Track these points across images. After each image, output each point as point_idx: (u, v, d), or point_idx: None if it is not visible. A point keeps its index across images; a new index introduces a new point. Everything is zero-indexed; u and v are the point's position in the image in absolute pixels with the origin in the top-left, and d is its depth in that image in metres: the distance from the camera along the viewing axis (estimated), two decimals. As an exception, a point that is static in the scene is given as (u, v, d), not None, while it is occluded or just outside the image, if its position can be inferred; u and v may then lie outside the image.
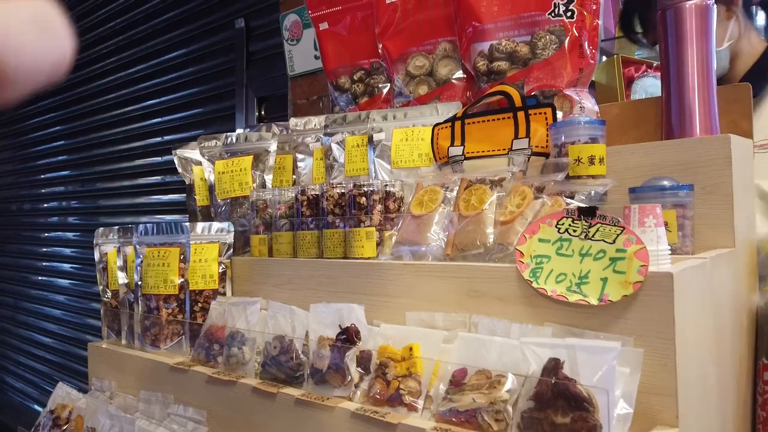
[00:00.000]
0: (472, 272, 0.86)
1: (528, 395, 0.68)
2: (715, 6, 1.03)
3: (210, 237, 1.20)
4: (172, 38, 3.14)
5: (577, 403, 0.63)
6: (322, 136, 1.34)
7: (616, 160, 1.01)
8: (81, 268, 3.90)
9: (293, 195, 1.15)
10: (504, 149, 1.08)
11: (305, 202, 1.12)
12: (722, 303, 0.88)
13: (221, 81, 2.86)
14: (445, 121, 1.16)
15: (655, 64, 1.69)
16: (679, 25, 1.03)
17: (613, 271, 0.72)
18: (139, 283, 1.18)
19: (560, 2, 1.15)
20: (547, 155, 1.05)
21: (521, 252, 0.81)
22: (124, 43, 3.47)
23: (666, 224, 0.87)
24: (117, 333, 1.26)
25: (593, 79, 1.77)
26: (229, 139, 1.33)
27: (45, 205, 4.34)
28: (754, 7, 1.86)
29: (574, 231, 0.78)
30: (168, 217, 3.15)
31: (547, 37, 1.16)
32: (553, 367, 0.66)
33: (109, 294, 1.30)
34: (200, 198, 1.36)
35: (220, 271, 1.19)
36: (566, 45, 1.15)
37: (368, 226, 1.04)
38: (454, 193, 1.01)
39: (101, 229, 1.34)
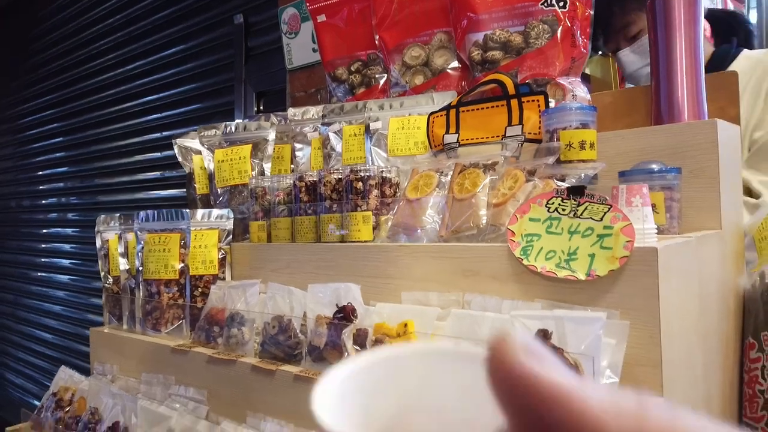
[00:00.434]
0: (465, 252, 0.88)
1: (518, 365, 0.70)
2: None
3: (210, 223, 1.22)
4: (170, 34, 3.17)
5: (564, 371, 0.66)
6: (319, 125, 1.37)
7: (607, 145, 1.03)
8: (80, 264, 3.92)
9: (291, 181, 1.17)
10: (498, 136, 1.11)
11: (303, 188, 1.15)
12: (708, 282, 0.91)
13: (220, 77, 2.89)
14: (441, 110, 1.19)
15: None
16: (667, 13, 1.06)
17: (600, 247, 0.75)
18: (140, 268, 1.21)
19: (553, -8, 1.18)
20: (539, 142, 1.07)
21: (512, 231, 0.83)
22: (123, 39, 3.49)
23: (654, 206, 0.90)
24: (118, 318, 1.28)
25: (588, 72, 1.80)
26: (228, 129, 1.35)
27: (44, 201, 4.36)
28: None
29: (564, 210, 0.80)
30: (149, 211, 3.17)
31: (540, 26, 1.18)
32: (542, 337, 0.69)
33: (111, 280, 1.32)
34: (200, 186, 1.38)
35: (220, 256, 1.21)
36: (559, 34, 1.18)
37: (365, 211, 1.06)
38: (449, 177, 1.03)
39: (102, 216, 1.37)
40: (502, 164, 0.99)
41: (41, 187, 4.39)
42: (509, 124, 1.10)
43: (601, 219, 0.76)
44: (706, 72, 1.05)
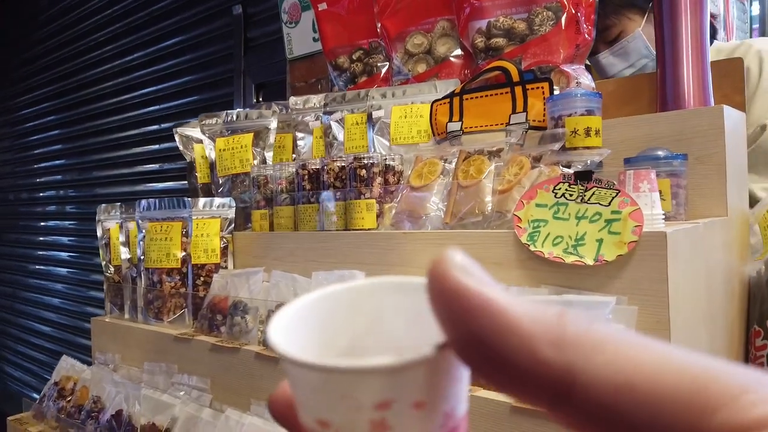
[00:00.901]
0: (470, 239, 0.88)
1: (525, 351, 0.70)
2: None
3: (212, 212, 1.21)
4: (168, 26, 3.14)
5: (573, 355, 0.65)
6: (321, 114, 1.36)
7: (612, 132, 1.03)
8: (79, 257, 3.91)
9: (294, 170, 1.16)
10: (502, 124, 1.10)
11: (306, 176, 1.14)
12: (714, 269, 0.90)
13: (219, 68, 2.87)
14: (444, 98, 1.18)
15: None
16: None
17: (608, 232, 0.74)
18: (142, 257, 1.20)
19: (557, -22, 1.17)
20: (544, 129, 1.06)
21: (519, 217, 0.83)
22: (121, 30, 3.47)
23: (660, 193, 0.89)
24: (120, 308, 1.28)
25: (589, 64, 1.78)
26: (230, 117, 1.34)
27: (42, 194, 4.34)
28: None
29: (571, 195, 0.80)
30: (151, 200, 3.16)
31: (544, 13, 1.17)
32: (550, 322, 0.68)
33: (112, 269, 1.31)
34: (201, 175, 1.37)
35: (222, 245, 1.20)
36: (563, 21, 1.17)
37: (368, 198, 1.06)
38: (453, 164, 1.02)
39: (103, 205, 1.36)
40: (507, 151, 0.98)
41: (39, 180, 4.37)
42: (513, 111, 1.09)
43: (609, 204, 0.76)
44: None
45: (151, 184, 3.33)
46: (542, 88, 1.07)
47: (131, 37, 3.39)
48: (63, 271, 4.05)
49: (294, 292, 0.96)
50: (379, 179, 1.08)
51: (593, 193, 0.78)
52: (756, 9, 2.16)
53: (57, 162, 4.17)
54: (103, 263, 1.34)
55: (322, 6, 1.54)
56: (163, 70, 3.20)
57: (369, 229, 1.05)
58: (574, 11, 1.17)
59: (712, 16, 1.49)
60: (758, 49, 1.40)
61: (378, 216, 1.07)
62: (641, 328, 0.70)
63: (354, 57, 1.49)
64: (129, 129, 3.47)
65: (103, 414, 1.00)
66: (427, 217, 0.98)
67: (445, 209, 0.98)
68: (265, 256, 1.17)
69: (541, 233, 0.80)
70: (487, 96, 1.13)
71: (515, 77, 1.10)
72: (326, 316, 0.25)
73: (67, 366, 1.20)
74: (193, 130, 1.41)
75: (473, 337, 0.18)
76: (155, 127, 3.28)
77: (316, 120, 1.38)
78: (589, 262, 0.74)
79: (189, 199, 1.19)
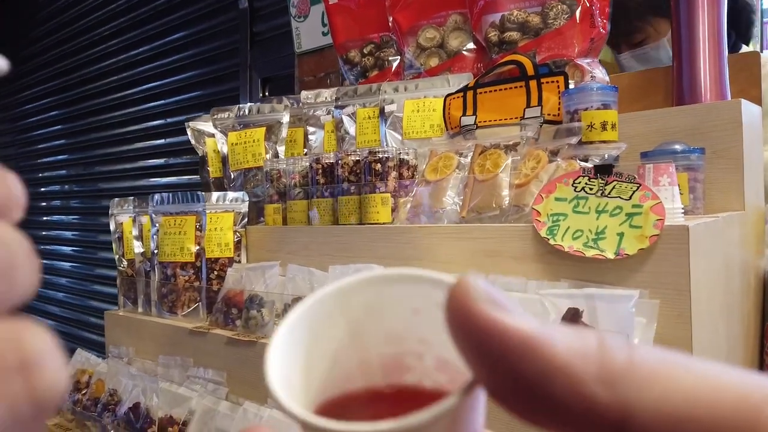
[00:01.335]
0: (488, 232, 0.88)
1: (547, 344, 0.70)
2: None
3: (225, 206, 1.21)
4: (174, 20, 3.13)
5: (596, 349, 0.65)
6: (333, 108, 1.36)
7: (628, 126, 1.02)
8: (82, 251, 3.92)
9: (307, 164, 1.16)
10: (516, 117, 1.10)
11: (320, 170, 1.14)
12: (732, 263, 0.90)
13: (225, 62, 2.86)
14: (457, 92, 1.18)
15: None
16: (690, -8, 1.04)
17: (629, 226, 0.74)
18: (156, 251, 1.20)
19: (572, -28, 1.16)
20: (559, 123, 1.06)
21: (538, 211, 0.83)
22: (125, 25, 3.46)
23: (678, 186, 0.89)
24: (133, 301, 1.28)
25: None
26: (242, 111, 1.34)
27: (45, 188, 4.34)
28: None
29: (591, 189, 0.79)
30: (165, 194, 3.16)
31: (559, 6, 1.17)
32: (573, 315, 0.68)
33: (125, 263, 1.31)
34: (213, 170, 1.37)
35: (236, 239, 1.20)
36: (577, 15, 1.16)
37: (383, 192, 1.06)
38: (468, 158, 1.02)
39: (116, 199, 1.36)
40: (523, 145, 0.98)
41: (42, 175, 4.38)
42: (528, 105, 1.09)
43: (630, 198, 0.75)
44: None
45: (155, 179, 3.33)
46: (557, 82, 1.07)
47: (135, 32, 3.38)
48: (66, 265, 4.05)
49: (311, 285, 0.97)
50: (393, 173, 1.08)
51: (613, 187, 0.78)
52: None
53: (60, 157, 4.17)
54: (116, 257, 1.34)
55: (333, 0, 1.54)
56: (168, 64, 3.19)
57: (384, 223, 1.05)
58: (588, 4, 1.17)
59: (748, 5, 1.47)
60: None
61: (392, 210, 1.07)
62: (662, 321, 0.70)
63: (365, 51, 1.49)
64: (133, 124, 3.47)
65: (120, 407, 1.00)
66: (443, 211, 0.98)
67: (461, 203, 0.98)
68: (278, 250, 1.17)
69: (560, 227, 0.80)
70: (501, 90, 1.12)
71: (530, 71, 1.10)
72: (321, 323, 0.24)
73: (82, 359, 1.20)
74: (204, 124, 1.41)
75: (514, 381, 0.17)
76: (160, 121, 3.27)
77: (327, 114, 1.38)
78: (610, 255, 0.74)
79: (202, 193, 1.19)
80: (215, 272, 1.19)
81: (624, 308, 0.66)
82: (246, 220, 1.23)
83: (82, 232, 3.94)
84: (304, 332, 0.24)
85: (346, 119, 1.32)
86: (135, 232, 1.27)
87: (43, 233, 4.33)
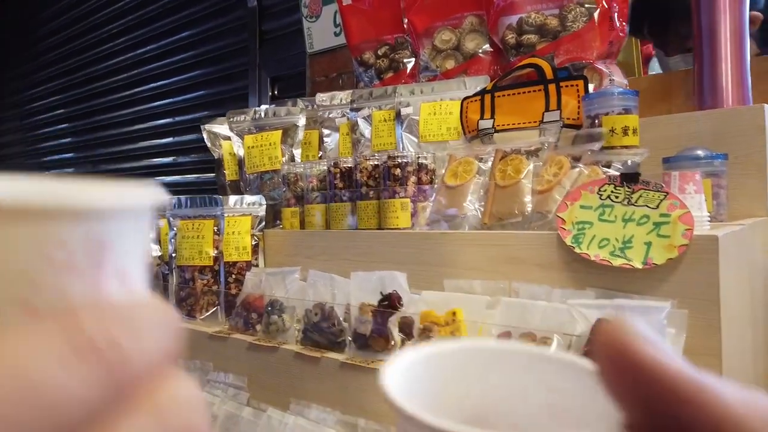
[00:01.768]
0: (512, 240, 0.87)
1: (577, 354, 0.70)
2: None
3: (242, 210, 1.21)
4: (182, 18, 3.13)
5: (626, 360, 0.65)
6: (348, 111, 1.35)
7: (649, 130, 1.02)
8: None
9: (325, 168, 1.16)
10: (535, 122, 1.09)
11: (338, 175, 1.14)
12: (756, 268, 0.90)
13: (233, 61, 2.86)
14: (475, 95, 1.17)
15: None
16: (712, -5, 1.04)
17: (657, 236, 0.74)
18: (174, 255, 1.20)
19: (591, -26, 1.16)
20: (578, 127, 1.06)
21: (562, 219, 0.83)
22: (133, 23, 3.46)
23: (701, 193, 0.89)
24: (150, 305, 1.28)
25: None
26: (258, 114, 1.34)
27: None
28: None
29: (617, 197, 0.79)
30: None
31: (578, 9, 1.16)
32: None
33: (142, 267, 1.31)
34: (229, 172, 1.37)
35: (253, 243, 1.20)
36: (596, 17, 1.16)
37: (403, 197, 1.06)
38: (489, 164, 1.02)
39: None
40: (544, 150, 0.98)
41: (48, 173, 4.39)
42: (547, 109, 1.09)
43: (657, 206, 0.75)
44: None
45: (165, 177, 3.33)
46: (577, 85, 1.07)
47: (143, 30, 3.38)
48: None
49: (332, 292, 0.97)
50: (413, 178, 1.07)
51: (640, 195, 0.77)
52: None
53: (67, 155, 4.18)
54: (133, 260, 1.34)
55: (347, 1, 1.53)
56: (176, 63, 3.19)
57: (404, 229, 1.05)
58: (607, 7, 1.16)
59: None
60: None
61: (412, 215, 1.07)
62: (691, 332, 0.70)
63: (379, 53, 1.48)
64: (140, 122, 3.47)
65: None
66: (464, 217, 0.98)
67: (482, 209, 0.97)
68: (297, 254, 1.17)
69: (586, 235, 0.80)
70: (519, 93, 1.12)
71: (549, 74, 1.09)
72: (449, 370, 0.24)
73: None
74: (220, 127, 1.41)
75: (680, 426, 0.17)
76: (168, 120, 3.27)
77: (342, 117, 1.38)
78: (638, 265, 0.74)
79: (220, 197, 1.19)
80: (233, 276, 1.19)
81: (655, 319, 0.66)
82: (263, 223, 1.23)
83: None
84: (425, 378, 0.23)
85: (361, 122, 1.32)
86: (152, 235, 1.28)
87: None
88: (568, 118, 1.06)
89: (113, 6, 3.58)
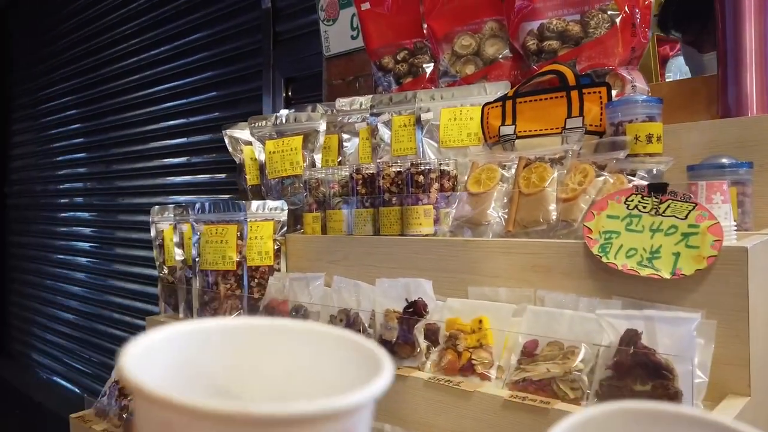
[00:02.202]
0: (537, 248, 0.88)
1: (605, 365, 0.70)
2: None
3: (265, 215, 1.22)
4: (196, 19, 3.15)
5: (656, 371, 0.66)
6: (368, 116, 1.36)
7: (673, 138, 1.02)
8: (99, 247, 3.97)
9: (348, 174, 1.17)
10: (557, 128, 1.10)
11: (360, 181, 1.15)
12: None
13: (247, 62, 2.87)
14: (496, 100, 1.18)
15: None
16: (737, 1, 1.04)
17: (685, 246, 0.74)
18: (197, 259, 1.22)
19: (614, -20, 1.15)
20: (600, 134, 1.06)
21: (589, 228, 0.83)
22: (147, 24, 3.48)
23: (727, 201, 0.89)
24: (174, 308, 1.30)
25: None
26: (279, 120, 1.35)
27: (65, 185, 4.39)
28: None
29: (644, 207, 0.80)
30: (194, 198, 3.19)
31: (600, 15, 1.16)
32: (632, 337, 0.69)
33: (166, 270, 1.33)
34: (251, 177, 1.38)
35: (275, 248, 1.22)
36: (618, 23, 1.16)
37: (426, 204, 1.06)
38: (512, 171, 1.03)
39: (157, 207, 1.38)
40: (568, 158, 0.98)
41: (61, 172, 4.43)
42: (569, 115, 1.09)
43: (686, 217, 0.76)
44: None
45: (178, 177, 3.35)
46: (600, 92, 1.07)
47: (157, 31, 3.40)
48: (84, 260, 4.11)
49: (357, 298, 0.98)
50: (436, 185, 1.08)
51: (668, 206, 0.78)
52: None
53: (79, 155, 4.21)
54: (157, 263, 1.36)
55: (365, 5, 1.54)
56: (190, 63, 3.21)
57: (427, 236, 1.06)
58: (629, 13, 1.16)
59: None
60: None
61: (435, 221, 1.08)
62: (719, 342, 0.70)
63: (398, 57, 1.49)
64: (155, 122, 3.49)
65: (168, 415, 1.02)
66: (488, 224, 0.99)
67: (506, 217, 0.98)
68: (319, 260, 1.18)
69: (613, 245, 0.80)
70: (541, 99, 1.12)
71: (571, 81, 1.10)
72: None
73: (126, 365, 1.22)
74: (241, 132, 1.42)
75: None
76: (183, 120, 3.29)
77: (362, 121, 1.39)
78: (666, 275, 0.74)
79: (243, 202, 1.21)
80: (255, 280, 1.20)
81: (685, 330, 0.67)
82: (285, 228, 1.25)
83: (99, 229, 3.99)
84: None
85: (381, 127, 1.33)
86: (176, 239, 1.29)
87: (62, 229, 4.39)
88: (590, 125, 1.07)
89: (127, 7, 3.60)
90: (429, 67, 1.45)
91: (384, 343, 0.91)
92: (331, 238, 1.17)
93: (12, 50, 4.97)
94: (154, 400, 0.19)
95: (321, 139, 1.34)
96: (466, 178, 1.08)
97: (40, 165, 4.67)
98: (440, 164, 1.11)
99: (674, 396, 0.64)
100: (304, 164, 1.30)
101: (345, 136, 1.41)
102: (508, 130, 1.15)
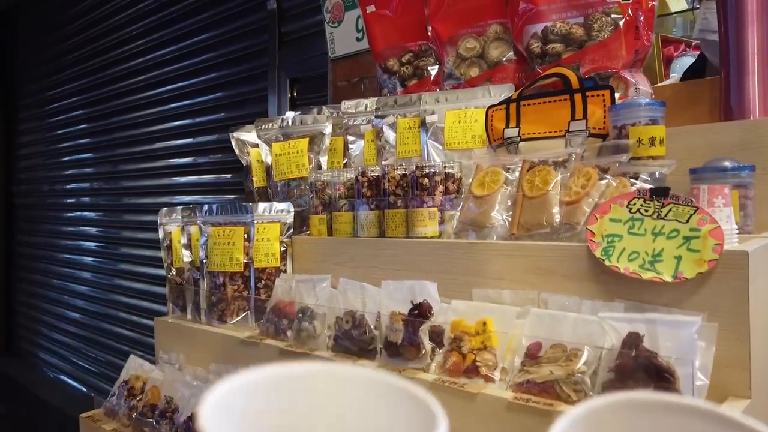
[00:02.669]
0: (541, 251, 0.89)
1: (608, 367, 0.71)
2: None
3: (271, 217, 1.24)
4: (202, 20, 3.16)
5: (658, 374, 0.67)
6: (373, 118, 1.37)
7: (675, 140, 1.03)
8: (105, 247, 4.00)
9: (353, 176, 1.18)
10: (560, 131, 1.10)
11: (366, 183, 1.16)
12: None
13: (253, 62, 2.89)
14: (500, 103, 1.19)
15: (693, 43, 1.69)
16: (739, 3, 1.04)
17: (687, 250, 0.75)
18: (204, 260, 1.23)
19: (617, -16, 1.16)
20: (604, 137, 1.07)
21: (592, 231, 0.84)
22: (153, 25, 3.50)
23: (729, 204, 0.89)
24: (182, 309, 1.32)
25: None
26: (285, 123, 1.36)
27: (72, 185, 4.42)
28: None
29: (646, 211, 0.81)
30: (200, 198, 3.21)
31: (603, 18, 1.17)
32: (634, 340, 0.70)
33: (174, 271, 1.35)
34: (257, 179, 1.40)
35: (282, 249, 1.23)
36: (622, 26, 1.16)
37: (430, 206, 1.08)
38: (516, 174, 1.03)
39: (165, 209, 1.39)
40: (571, 161, 0.99)
41: (68, 173, 4.46)
42: (573, 118, 1.10)
43: (687, 221, 0.76)
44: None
45: (184, 177, 3.37)
46: (603, 95, 1.08)
47: (163, 32, 3.42)
48: (90, 260, 4.14)
49: (362, 300, 0.99)
50: (440, 187, 1.09)
51: (670, 210, 0.79)
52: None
53: (85, 155, 4.24)
54: (165, 265, 1.38)
55: (371, 8, 1.55)
56: (196, 64, 3.23)
57: (431, 238, 1.07)
58: (633, 16, 1.17)
59: None
60: None
61: (439, 224, 1.09)
62: (720, 345, 0.71)
63: (403, 60, 1.50)
64: (161, 123, 3.51)
65: (178, 415, 1.04)
66: (492, 227, 1.00)
67: (510, 220, 0.99)
68: (325, 261, 1.20)
69: (615, 248, 0.81)
70: (545, 102, 1.13)
71: (575, 84, 1.10)
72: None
73: (136, 365, 1.24)
74: (248, 135, 1.44)
75: None
76: (188, 120, 3.31)
77: (367, 124, 1.40)
78: (668, 279, 0.75)
79: (251, 204, 1.22)
80: (262, 281, 1.22)
81: (686, 334, 0.68)
82: (291, 230, 1.26)
83: (105, 229, 4.02)
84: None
85: (386, 129, 1.34)
86: (183, 241, 1.31)
87: (69, 229, 4.42)
88: (594, 128, 1.07)
89: (134, 8, 3.62)
90: (434, 70, 1.46)
91: (389, 345, 0.92)
92: (337, 240, 1.18)
93: (19, 50, 5.01)
94: None
95: (327, 141, 1.35)
96: (470, 180, 1.10)
97: (48, 165, 4.71)
98: (445, 167, 1.12)
99: (675, 398, 0.65)
100: (310, 166, 1.32)
101: (350, 138, 1.42)
102: (512, 132, 1.16)
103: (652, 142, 0.97)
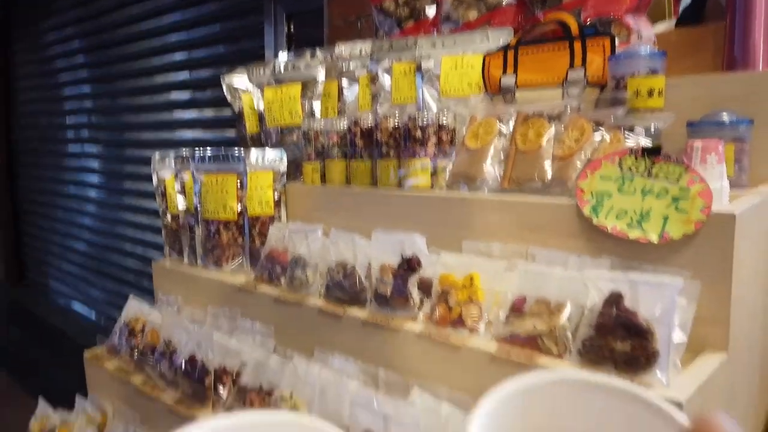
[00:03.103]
0: (531, 207, 0.89)
1: (589, 324, 0.73)
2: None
3: (264, 165, 1.23)
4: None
5: (637, 332, 0.69)
6: (368, 62, 1.34)
7: (676, 91, 1.00)
8: (108, 182, 4.02)
9: (346, 125, 1.17)
10: (558, 79, 1.08)
11: (358, 133, 1.15)
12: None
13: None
14: (497, 50, 1.15)
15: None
16: (752, -52, 0.99)
17: (675, 210, 0.75)
18: (199, 207, 1.24)
19: None
20: (602, 86, 1.04)
21: (582, 189, 0.84)
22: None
23: (723, 160, 0.88)
24: (179, 252, 1.34)
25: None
26: (277, 68, 1.33)
27: (72, 119, 4.38)
28: None
29: (637, 169, 0.80)
30: (192, 133, 3.19)
31: (609, -41, 1.11)
32: (615, 299, 0.71)
33: (169, 217, 1.36)
34: (250, 125, 1.38)
35: (275, 197, 1.23)
36: (627, -32, 1.11)
37: (423, 158, 1.07)
38: (510, 125, 1.02)
39: (157, 155, 1.38)
40: (567, 114, 0.97)
41: (68, 107, 4.40)
42: (571, 66, 1.07)
43: (677, 181, 0.76)
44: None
45: (179, 112, 3.33)
46: (603, 43, 1.04)
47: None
48: (93, 192, 4.17)
49: (353, 252, 1.00)
50: (433, 139, 1.08)
51: (660, 168, 0.78)
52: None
53: (84, 90, 4.17)
54: (160, 210, 1.39)
55: (367, -57, 1.47)
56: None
57: (423, 189, 1.07)
58: (639, -43, 1.11)
59: None
60: None
61: (432, 175, 1.09)
62: (702, 302, 0.73)
63: (400, 1, 1.44)
64: (157, 54, 3.43)
65: (176, 357, 1.08)
66: (483, 180, 0.99)
67: (502, 173, 0.98)
68: (318, 210, 1.20)
69: (604, 206, 0.81)
70: (543, 49, 1.10)
71: (575, 31, 1.06)
72: (513, 411, 0.26)
73: (135, 307, 1.27)
74: (239, 81, 1.40)
75: None
76: (185, 54, 3.23)
77: (362, 68, 1.36)
78: (654, 239, 0.76)
79: (242, 150, 1.21)
80: (256, 228, 1.23)
81: (666, 295, 0.69)
82: (285, 178, 1.26)
83: (107, 163, 4.02)
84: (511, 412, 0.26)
85: (381, 74, 1.31)
86: (177, 187, 1.31)
87: (71, 163, 4.42)
88: (592, 77, 1.04)
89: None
90: (431, 11, 1.41)
91: (379, 296, 0.94)
92: (330, 189, 1.18)
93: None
94: None
95: (320, 87, 1.32)
96: (464, 129, 1.08)
97: (46, 98, 4.64)
98: (439, 117, 1.10)
99: (652, 356, 0.67)
100: (303, 113, 1.30)
101: (345, 82, 1.39)
102: (508, 80, 1.13)
103: (650, 93, 0.95)
